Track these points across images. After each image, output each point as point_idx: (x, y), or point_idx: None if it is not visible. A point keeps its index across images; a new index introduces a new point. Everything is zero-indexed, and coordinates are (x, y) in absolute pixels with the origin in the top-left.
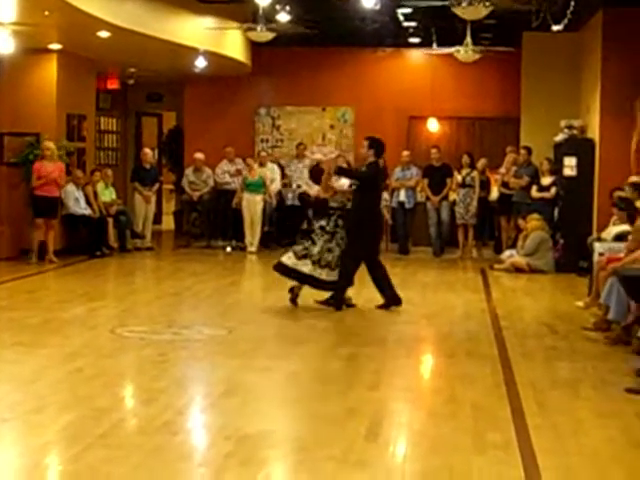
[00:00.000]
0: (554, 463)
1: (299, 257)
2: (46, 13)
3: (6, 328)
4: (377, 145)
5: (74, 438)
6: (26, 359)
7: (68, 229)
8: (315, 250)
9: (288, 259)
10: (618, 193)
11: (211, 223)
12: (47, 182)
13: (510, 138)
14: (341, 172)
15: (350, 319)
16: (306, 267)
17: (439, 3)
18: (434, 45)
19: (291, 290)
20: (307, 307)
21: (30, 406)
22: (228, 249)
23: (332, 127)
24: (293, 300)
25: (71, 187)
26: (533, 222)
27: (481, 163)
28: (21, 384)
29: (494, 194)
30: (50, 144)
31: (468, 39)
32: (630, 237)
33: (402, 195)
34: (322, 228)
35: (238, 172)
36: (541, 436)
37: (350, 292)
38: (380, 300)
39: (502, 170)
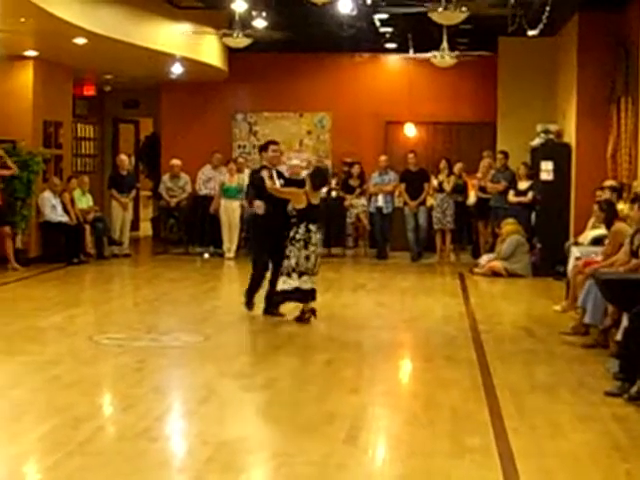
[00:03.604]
0: (532, 466)
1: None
2: (22, 20)
3: None
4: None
5: (52, 446)
6: (3, 367)
7: (45, 236)
8: (293, 262)
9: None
10: (601, 193)
11: (189, 229)
12: None
13: (486, 143)
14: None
15: (327, 325)
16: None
17: (415, 9)
18: (411, 50)
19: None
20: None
21: (8, 414)
22: (206, 255)
23: (309, 133)
24: (312, 312)
25: (48, 194)
26: (508, 227)
27: (458, 167)
28: None
29: (472, 199)
30: None
31: (444, 44)
32: (607, 241)
33: (380, 200)
34: (292, 238)
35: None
36: (519, 439)
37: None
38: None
39: (479, 175)
